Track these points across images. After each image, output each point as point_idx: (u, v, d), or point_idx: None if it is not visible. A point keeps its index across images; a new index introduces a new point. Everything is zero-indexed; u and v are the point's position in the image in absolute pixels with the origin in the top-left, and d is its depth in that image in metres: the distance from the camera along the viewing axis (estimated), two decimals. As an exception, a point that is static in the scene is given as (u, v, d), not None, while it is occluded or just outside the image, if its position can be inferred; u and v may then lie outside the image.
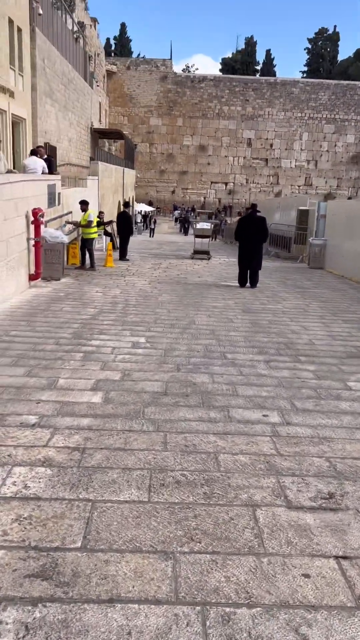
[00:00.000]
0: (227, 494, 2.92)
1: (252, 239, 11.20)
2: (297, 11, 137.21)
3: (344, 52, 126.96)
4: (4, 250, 8.10)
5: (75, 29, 28.95)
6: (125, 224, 15.78)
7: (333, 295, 10.80)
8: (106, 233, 17.72)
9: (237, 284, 11.71)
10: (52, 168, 12.71)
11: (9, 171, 8.98)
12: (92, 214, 13.05)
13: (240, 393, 4.58)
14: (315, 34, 70.06)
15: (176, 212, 51.30)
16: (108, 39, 68.23)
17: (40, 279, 10.40)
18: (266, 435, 3.74)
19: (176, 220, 49.45)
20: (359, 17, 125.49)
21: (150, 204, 54.56)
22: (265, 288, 11.54)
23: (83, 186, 17.86)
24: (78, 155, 28.86)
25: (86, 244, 13.00)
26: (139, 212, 43.31)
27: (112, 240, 17.42)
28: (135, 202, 45.77)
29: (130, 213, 16.73)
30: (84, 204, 13.07)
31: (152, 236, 34.68)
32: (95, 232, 13.28)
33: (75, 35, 28.53)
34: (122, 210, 16.24)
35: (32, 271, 9.94)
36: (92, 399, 4.22)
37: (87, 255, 13.10)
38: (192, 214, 44.41)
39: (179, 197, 57.44)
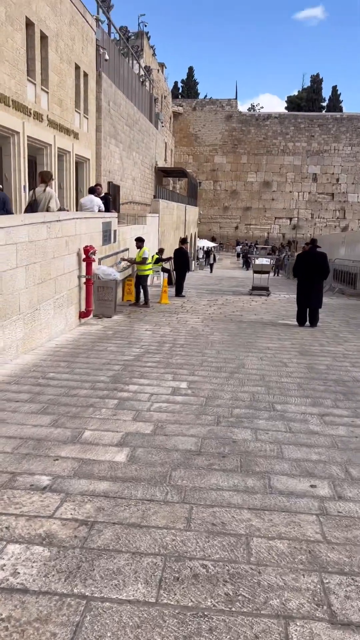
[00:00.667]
0: (255, 596, 2.35)
1: (311, 276, 10.59)
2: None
3: None
4: (52, 288, 7.99)
5: (142, 73, 30.03)
6: (181, 260, 15.60)
7: None
8: (164, 269, 17.64)
9: (296, 323, 11.07)
10: (109, 206, 12.79)
11: (60, 209, 9.01)
12: (147, 251, 12.95)
13: (286, 455, 3.98)
14: (384, 68, 69.11)
15: (238, 248, 51.29)
16: (176, 82, 70.80)
17: (91, 316, 10.27)
18: (312, 513, 3.13)
19: (238, 255, 49.34)
20: None
21: (213, 239, 54.83)
22: (326, 327, 10.80)
23: (142, 223, 17.97)
24: (142, 194, 29.47)
25: (141, 281, 12.85)
26: (200, 248, 43.49)
27: (169, 276, 17.28)
28: (197, 238, 46.09)
29: (187, 249, 16.54)
30: (139, 241, 13.01)
31: (212, 272, 34.50)
32: (150, 269, 13.13)
33: (141, 79, 29.56)
34: (179, 246, 16.10)
35: (83, 308, 9.82)
36: (116, 457, 3.79)
37: (142, 292, 12.93)
38: (255, 249, 44.03)
39: (242, 233, 57.40)
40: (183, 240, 16.69)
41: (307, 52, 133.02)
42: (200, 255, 43.50)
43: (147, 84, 32.64)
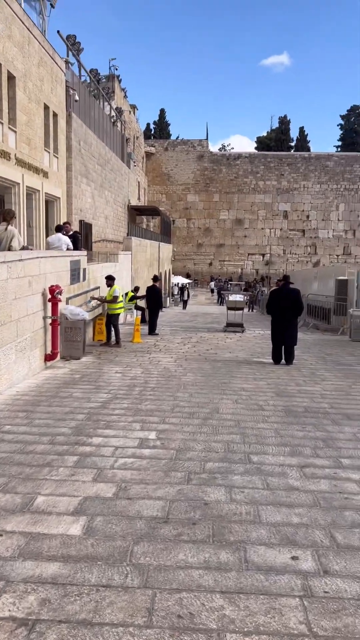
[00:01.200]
0: None
1: (285, 313, 10.36)
2: (329, 90, 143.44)
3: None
4: (14, 331, 7.53)
5: (113, 114, 30.44)
6: (153, 297, 15.30)
7: (379, 374, 9.66)
8: (137, 307, 17.31)
9: (271, 361, 10.76)
10: (78, 244, 12.48)
11: (24, 248, 8.63)
12: (118, 289, 12.61)
13: (263, 518, 3.55)
14: (348, 110, 72.19)
15: (212, 284, 51.64)
16: (148, 124, 72.40)
17: (58, 359, 9.78)
18: (295, 594, 2.70)
19: (212, 291, 49.61)
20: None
21: (188, 276, 55.06)
22: (302, 365, 10.51)
23: (114, 261, 17.70)
24: (115, 232, 29.38)
25: (112, 320, 12.46)
26: (175, 285, 43.49)
27: (143, 314, 16.95)
28: (172, 275, 46.18)
29: (160, 287, 16.29)
30: (109, 280, 12.68)
31: (185, 308, 34.32)
32: (121, 308, 12.77)
33: (112, 120, 29.93)
34: (151, 284, 15.84)
35: (49, 351, 9.33)
36: (71, 529, 3.30)
37: (113, 331, 12.53)
38: (229, 285, 44.23)
39: (216, 269, 57.85)
40: (155, 278, 16.46)
41: (274, 96, 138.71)
42: (175, 292, 43.48)
43: (119, 124, 33.10)
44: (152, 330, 15.13)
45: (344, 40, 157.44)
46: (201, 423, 5.95)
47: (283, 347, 10.58)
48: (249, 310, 33.22)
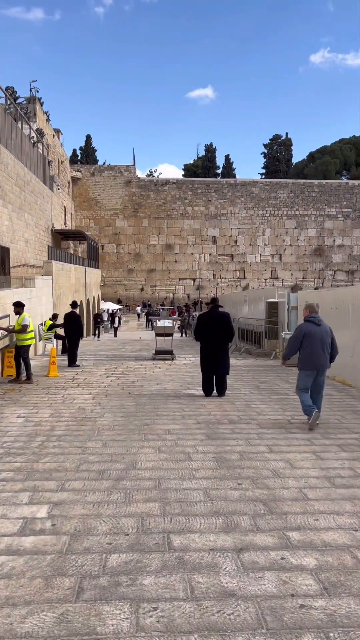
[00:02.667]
0: None
1: (215, 339, 9.30)
2: (252, 120, 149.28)
3: (298, 155, 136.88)
4: None
5: (33, 135, 29.02)
6: (71, 325, 13.87)
7: (318, 404, 8.77)
8: (57, 336, 15.75)
9: (202, 393, 9.64)
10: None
11: None
12: (28, 317, 11.10)
13: (184, 664, 2.31)
14: (270, 139, 74.86)
15: (137, 308, 50.88)
16: (75, 150, 71.44)
17: None
18: None
19: (139, 316, 48.71)
20: (308, 124, 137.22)
21: (119, 302, 53.66)
22: (236, 396, 9.47)
23: (31, 286, 16.09)
24: (37, 256, 27.65)
25: (21, 352, 10.91)
26: (104, 311, 41.93)
27: (64, 343, 15.42)
28: (102, 301, 44.58)
29: (79, 313, 14.84)
30: (18, 306, 11.17)
31: (116, 336, 32.90)
32: (31, 339, 11.24)
33: (32, 141, 28.48)
34: (70, 311, 14.41)
35: None
36: None
37: (23, 365, 10.98)
38: (160, 310, 43.28)
39: (148, 294, 56.93)
40: (74, 304, 14.99)
41: (201, 126, 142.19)
42: (105, 318, 41.90)
43: (40, 146, 31.66)
44: (72, 362, 13.67)
45: (266, 72, 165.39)
46: (111, 487, 4.66)
47: (214, 377, 9.52)
48: (181, 335, 32.30)
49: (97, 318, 32.17)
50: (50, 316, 17.56)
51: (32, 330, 11.29)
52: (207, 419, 7.59)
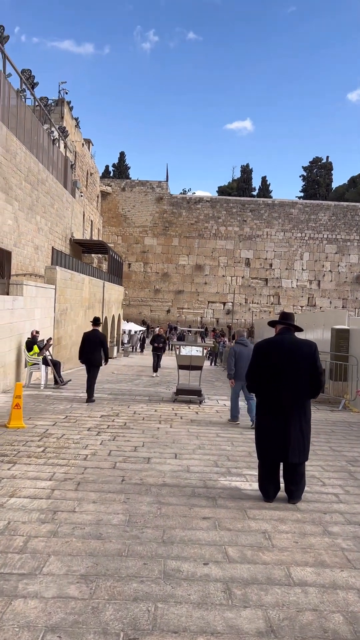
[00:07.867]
0: None
1: (287, 391, 5.16)
2: (291, 145, 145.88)
3: (338, 179, 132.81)
4: None
5: (54, 130, 25.87)
6: (94, 347, 10.03)
7: None
8: (46, 362, 11.79)
9: (258, 492, 5.45)
10: None
11: None
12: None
13: None
14: (310, 162, 71.28)
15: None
16: (107, 166, 69.23)
17: None
18: None
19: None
20: (351, 148, 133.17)
21: (143, 323, 50.03)
22: (318, 499, 5.33)
23: (17, 293, 12.20)
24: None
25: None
26: (125, 332, 38.21)
27: (55, 370, 11.54)
28: (123, 321, 40.82)
29: (102, 331, 10.83)
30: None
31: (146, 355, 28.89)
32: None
33: (52, 137, 25.30)
34: (91, 329, 10.48)
35: None
36: None
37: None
38: (188, 333, 39.21)
39: (174, 317, 53.13)
40: (96, 321, 10.90)
41: (237, 154, 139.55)
42: (126, 340, 38.11)
43: (62, 146, 28.55)
44: (90, 397, 9.93)
45: (306, 98, 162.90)
46: None
47: (282, 466, 5.33)
48: (210, 364, 28.19)
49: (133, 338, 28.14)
50: (30, 336, 13.18)
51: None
52: (266, 575, 3.47)
